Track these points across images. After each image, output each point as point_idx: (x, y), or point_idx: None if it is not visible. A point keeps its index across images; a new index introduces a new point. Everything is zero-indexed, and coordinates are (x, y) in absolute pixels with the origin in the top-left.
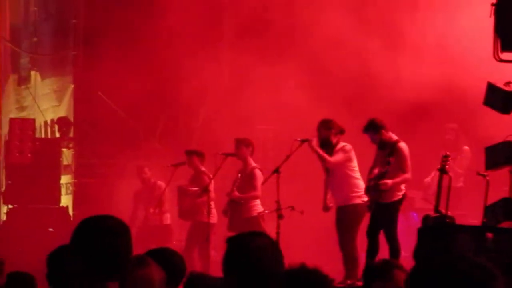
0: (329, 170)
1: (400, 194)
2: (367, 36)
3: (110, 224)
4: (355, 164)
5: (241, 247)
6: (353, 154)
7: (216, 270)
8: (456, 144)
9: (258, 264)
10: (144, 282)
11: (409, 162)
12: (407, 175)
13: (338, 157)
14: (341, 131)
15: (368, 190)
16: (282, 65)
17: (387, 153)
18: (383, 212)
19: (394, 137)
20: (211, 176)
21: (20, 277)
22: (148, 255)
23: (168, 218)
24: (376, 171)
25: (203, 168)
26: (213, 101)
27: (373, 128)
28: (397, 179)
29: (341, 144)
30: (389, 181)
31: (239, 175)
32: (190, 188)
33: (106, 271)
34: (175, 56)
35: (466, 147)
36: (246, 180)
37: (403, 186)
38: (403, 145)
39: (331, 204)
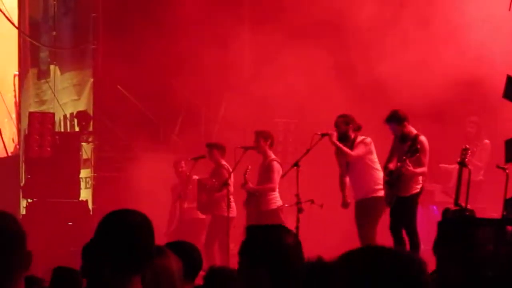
0: (349, 164)
1: (418, 187)
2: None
3: (133, 219)
4: (375, 156)
5: (273, 241)
6: (373, 147)
7: (235, 263)
8: (477, 137)
9: (284, 259)
10: (164, 272)
11: (427, 157)
12: (425, 169)
13: (359, 150)
14: (358, 128)
15: (385, 185)
16: (305, 58)
17: (407, 146)
18: (402, 205)
19: (414, 130)
20: (230, 169)
21: (66, 273)
22: (166, 247)
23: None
24: (391, 165)
25: (223, 162)
26: (234, 93)
27: (396, 119)
28: (417, 170)
29: (361, 137)
30: (411, 167)
31: (249, 166)
32: (209, 182)
33: (130, 265)
34: (194, 47)
35: (487, 141)
36: (264, 172)
37: (420, 179)
38: (423, 138)
39: (349, 200)
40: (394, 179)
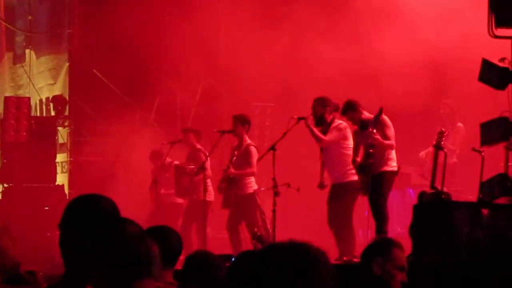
0: (323, 148)
1: (392, 165)
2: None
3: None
4: (350, 142)
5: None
6: (348, 132)
7: (212, 247)
8: (451, 120)
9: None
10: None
11: (392, 131)
12: (392, 142)
13: (332, 136)
14: (336, 108)
15: (358, 171)
16: (281, 43)
17: (370, 130)
18: (375, 182)
19: (372, 115)
20: (207, 153)
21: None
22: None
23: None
24: (358, 159)
25: (199, 146)
26: (210, 77)
27: (350, 108)
28: (385, 142)
29: (336, 122)
30: (379, 137)
31: (236, 152)
32: (187, 166)
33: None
34: (170, 30)
35: (460, 124)
36: (242, 157)
37: (393, 156)
38: (385, 117)
39: (326, 183)
40: (365, 161)
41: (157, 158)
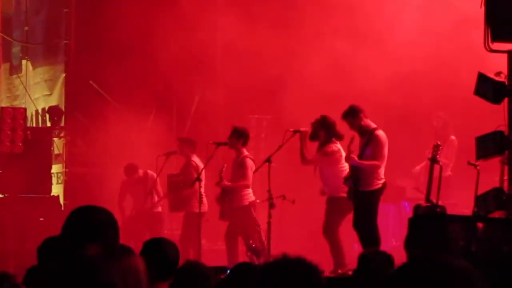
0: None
1: (379, 183)
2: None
3: (100, 217)
4: (342, 164)
5: None
6: (341, 155)
7: (207, 258)
8: (444, 133)
9: None
10: (132, 272)
11: (384, 151)
12: (378, 162)
13: (315, 159)
14: (339, 136)
15: (345, 180)
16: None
17: (364, 142)
18: (362, 200)
19: (373, 124)
20: (200, 166)
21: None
22: (145, 245)
23: (159, 206)
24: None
25: (193, 158)
26: (207, 89)
27: (351, 113)
28: (366, 162)
29: (329, 146)
30: (355, 157)
31: (225, 164)
32: (179, 180)
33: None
34: (166, 41)
35: (453, 137)
36: (237, 169)
37: (381, 174)
38: (380, 133)
39: (326, 190)
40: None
41: (133, 171)
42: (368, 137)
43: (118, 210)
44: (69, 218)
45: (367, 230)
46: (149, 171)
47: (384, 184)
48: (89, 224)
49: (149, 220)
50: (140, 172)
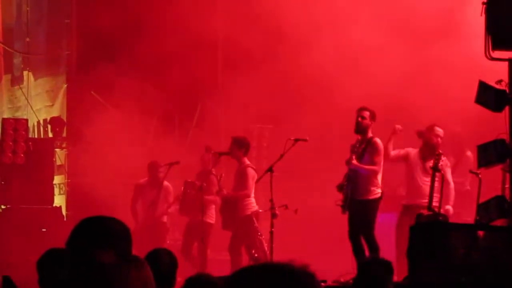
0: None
1: (378, 192)
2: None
3: (112, 225)
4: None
5: None
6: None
7: (212, 268)
8: (459, 148)
9: None
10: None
11: (382, 158)
12: (376, 167)
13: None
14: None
15: (339, 188)
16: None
17: (362, 148)
18: (359, 210)
19: (370, 134)
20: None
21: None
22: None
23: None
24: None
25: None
26: (209, 98)
27: (372, 114)
28: (366, 166)
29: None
30: (355, 161)
31: (222, 174)
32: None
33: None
34: (168, 52)
35: (469, 153)
36: (238, 179)
37: (378, 182)
38: (379, 140)
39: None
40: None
41: (155, 169)
42: (366, 144)
43: (131, 214)
44: (79, 226)
45: (369, 241)
46: (165, 182)
47: (382, 194)
48: (102, 231)
49: (153, 229)
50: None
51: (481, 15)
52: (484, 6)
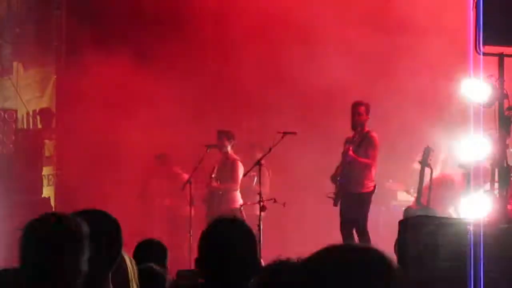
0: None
1: (371, 185)
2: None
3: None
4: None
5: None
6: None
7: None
8: None
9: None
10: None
11: (377, 153)
12: (371, 161)
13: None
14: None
15: (333, 179)
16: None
17: (358, 141)
18: (353, 203)
19: (367, 128)
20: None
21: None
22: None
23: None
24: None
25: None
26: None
27: (368, 108)
28: (362, 159)
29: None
30: (352, 153)
31: (215, 166)
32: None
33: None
34: (156, 44)
35: None
36: (227, 172)
37: (372, 176)
38: (376, 134)
39: None
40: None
41: (164, 162)
42: (362, 138)
43: (140, 199)
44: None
45: (359, 234)
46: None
47: (375, 187)
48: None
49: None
50: (177, 169)
51: (472, 10)
52: (475, 0)
